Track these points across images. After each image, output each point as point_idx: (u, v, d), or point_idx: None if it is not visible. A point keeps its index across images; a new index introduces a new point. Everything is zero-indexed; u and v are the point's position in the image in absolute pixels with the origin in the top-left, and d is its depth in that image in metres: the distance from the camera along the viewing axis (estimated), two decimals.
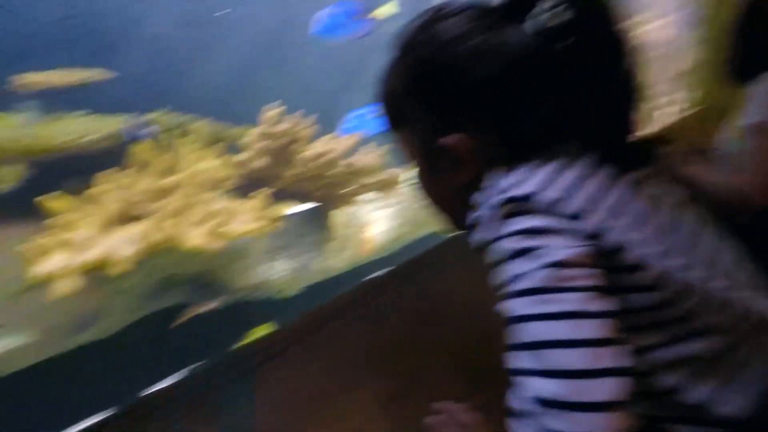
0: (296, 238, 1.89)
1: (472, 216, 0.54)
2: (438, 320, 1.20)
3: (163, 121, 1.72)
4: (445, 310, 1.24)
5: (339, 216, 1.98)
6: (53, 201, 1.39)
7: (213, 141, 1.73)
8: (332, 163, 1.61)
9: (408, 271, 1.41)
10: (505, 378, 0.48)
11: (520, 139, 0.54)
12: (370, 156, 1.64)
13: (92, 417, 1.62)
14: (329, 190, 1.84)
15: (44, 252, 1.22)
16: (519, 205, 0.48)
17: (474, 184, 0.54)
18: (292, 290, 1.85)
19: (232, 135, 1.93)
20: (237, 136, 1.94)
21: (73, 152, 1.53)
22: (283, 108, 1.64)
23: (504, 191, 0.49)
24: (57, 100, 1.93)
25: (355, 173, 1.69)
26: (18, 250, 1.16)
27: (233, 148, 1.87)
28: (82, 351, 1.69)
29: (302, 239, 1.92)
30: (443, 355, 1.11)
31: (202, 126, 1.73)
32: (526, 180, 0.50)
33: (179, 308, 1.89)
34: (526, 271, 0.45)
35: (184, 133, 1.73)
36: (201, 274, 1.85)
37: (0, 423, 1.52)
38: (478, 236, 0.53)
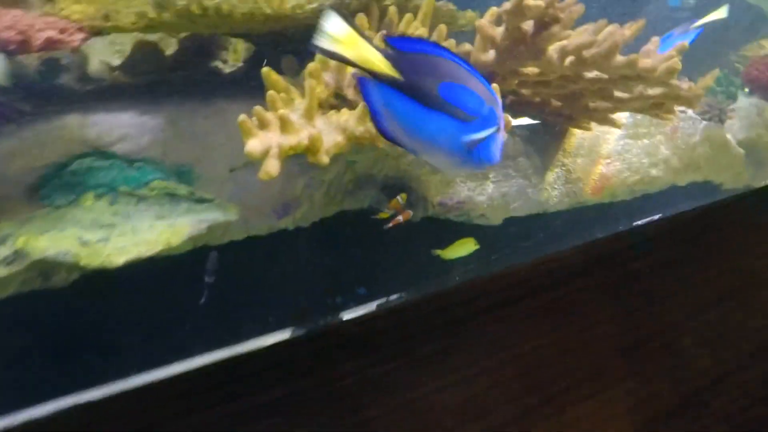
0: (512, 158, 1.56)
1: None
2: (735, 303, 0.79)
3: None
4: (742, 291, 0.82)
5: (574, 139, 1.55)
6: (274, 76, 1.30)
7: (435, 23, 1.43)
8: (594, 61, 1.16)
9: (682, 227, 0.96)
10: None
11: None
12: (657, 59, 1.12)
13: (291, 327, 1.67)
14: (574, 102, 1.40)
15: (263, 126, 1.14)
16: None
17: None
18: (495, 218, 1.57)
19: (457, 18, 1.60)
20: (466, 22, 1.60)
21: (303, 22, 1.41)
22: None
23: None
24: None
25: (629, 79, 1.20)
26: (240, 120, 1.08)
27: (458, 37, 1.55)
28: (283, 235, 1.73)
29: (519, 160, 1.58)
30: (738, 358, 0.71)
31: (428, 4, 1.43)
32: None
33: (373, 210, 1.80)
34: None
35: (412, 8, 1.46)
36: (399, 179, 1.69)
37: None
38: None
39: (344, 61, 0.76)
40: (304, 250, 1.87)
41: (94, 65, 1.70)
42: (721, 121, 1.63)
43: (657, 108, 1.30)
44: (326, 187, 1.68)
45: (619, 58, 1.15)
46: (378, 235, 1.86)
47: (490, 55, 1.50)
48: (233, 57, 1.90)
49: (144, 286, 1.40)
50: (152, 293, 1.45)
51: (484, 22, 1.47)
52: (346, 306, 1.97)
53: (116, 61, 1.73)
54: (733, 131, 1.65)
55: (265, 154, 1.13)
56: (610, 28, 1.17)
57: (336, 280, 2.00)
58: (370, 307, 1.29)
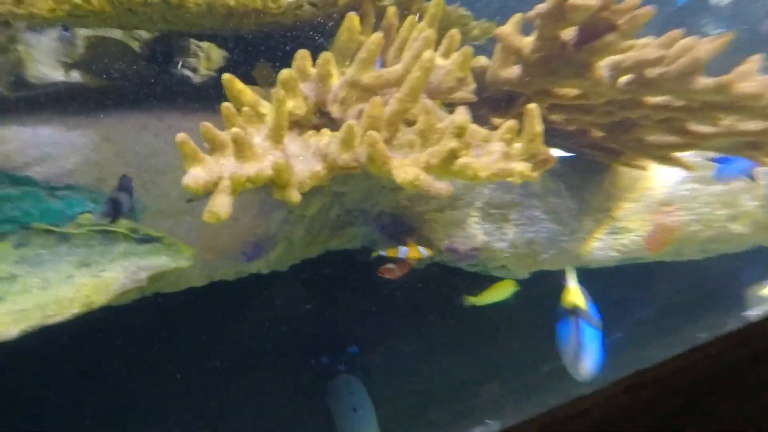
0: (539, 196, 1.25)
1: None
2: None
3: None
4: None
5: (620, 179, 1.23)
6: (238, 85, 1.01)
7: (445, 29, 1.14)
8: (663, 83, 0.85)
9: None
10: None
11: None
12: (763, 83, 0.80)
13: None
14: (623, 133, 1.09)
15: (215, 149, 0.83)
16: None
17: None
18: (520, 270, 1.25)
19: (471, 27, 1.32)
20: (481, 33, 1.32)
21: (281, 21, 1.12)
22: None
23: None
24: None
25: (715, 108, 0.88)
26: (179, 140, 0.77)
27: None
28: (255, 281, 1.41)
29: (548, 200, 1.27)
30: None
31: (436, 5, 1.14)
32: None
33: (365, 252, 1.48)
34: None
35: (418, 11, 1.18)
36: (398, 216, 1.37)
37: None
38: None
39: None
40: (280, 298, 1.55)
41: (31, 69, 1.41)
42: None
43: (753, 148, 0.97)
44: (308, 223, 1.38)
45: (703, 81, 0.84)
46: (373, 283, 1.54)
47: (514, 71, 1.21)
48: (206, 65, 1.62)
49: (50, 364, 1.07)
50: (63, 373, 1.12)
51: (508, 29, 1.18)
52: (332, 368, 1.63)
53: (59, 67, 1.45)
54: None
55: (212, 187, 0.82)
56: (688, 40, 0.87)
57: (321, 336, 1.67)
58: None
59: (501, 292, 1.23)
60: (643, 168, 1.15)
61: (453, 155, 0.77)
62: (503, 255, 1.26)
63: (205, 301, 1.39)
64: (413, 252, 1.15)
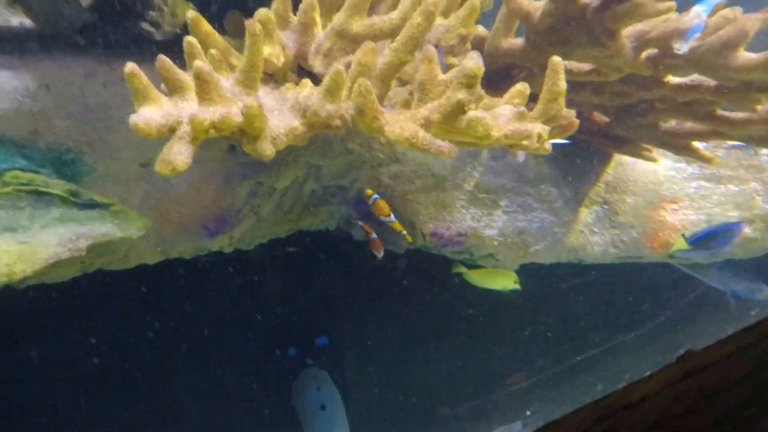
0: (532, 183, 1.15)
1: None
2: None
3: None
4: None
5: (622, 170, 1.14)
6: (206, 27, 0.87)
7: None
8: (698, 59, 0.75)
9: None
10: None
11: None
12: None
13: None
14: (634, 118, 0.99)
15: (174, 90, 0.69)
16: None
17: None
18: (509, 261, 1.15)
19: None
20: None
21: None
22: None
23: None
24: None
25: (753, 90, 0.78)
26: (127, 71, 0.63)
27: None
28: (216, 260, 1.26)
29: (542, 188, 1.17)
30: None
31: None
32: None
33: (339, 235, 1.36)
34: None
35: None
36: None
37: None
38: None
39: None
40: (244, 281, 1.40)
41: None
42: None
43: None
44: (279, 197, 1.24)
45: (747, 56, 0.74)
46: (347, 268, 1.41)
47: (517, 41, 1.11)
48: (170, 21, 1.45)
49: None
50: None
51: None
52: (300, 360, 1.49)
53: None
54: None
55: (167, 132, 0.68)
56: (728, 12, 0.78)
57: (288, 326, 1.53)
58: None
59: (500, 281, 1.12)
60: (653, 159, 1.06)
61: (460, 109, 0.66)
62: (492, 243, 1.16)
63: (158, 282, 1.23)
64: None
